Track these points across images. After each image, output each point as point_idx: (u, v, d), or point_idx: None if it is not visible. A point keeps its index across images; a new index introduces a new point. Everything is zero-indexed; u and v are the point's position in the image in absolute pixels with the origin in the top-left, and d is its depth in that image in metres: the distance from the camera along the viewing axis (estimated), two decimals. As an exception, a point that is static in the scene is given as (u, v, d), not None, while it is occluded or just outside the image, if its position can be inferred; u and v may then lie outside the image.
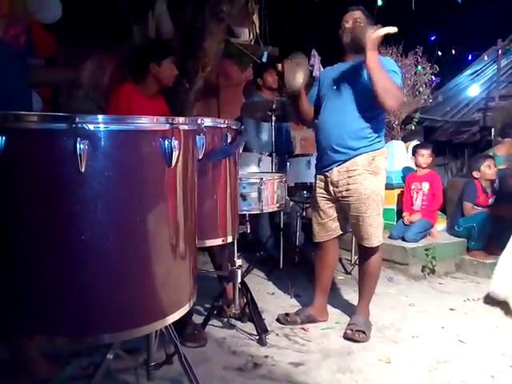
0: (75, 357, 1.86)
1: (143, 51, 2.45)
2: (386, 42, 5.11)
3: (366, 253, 2.33)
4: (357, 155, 2.20)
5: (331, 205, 2.34)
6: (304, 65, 2.18)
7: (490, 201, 3.84)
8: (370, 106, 2.15)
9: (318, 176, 2.38)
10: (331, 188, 2.28)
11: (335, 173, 2.25)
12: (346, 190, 2.23)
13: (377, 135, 2.22)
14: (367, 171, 2.20)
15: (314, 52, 4.90)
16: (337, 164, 2.24)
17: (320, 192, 2.36)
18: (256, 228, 3.51)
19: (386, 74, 2.07)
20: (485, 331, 2.38)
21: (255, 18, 4.63)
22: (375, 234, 2.26)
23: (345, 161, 2.21)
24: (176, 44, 3.45)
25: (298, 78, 2.15)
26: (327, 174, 2.28)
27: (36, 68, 1.94)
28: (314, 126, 2.42)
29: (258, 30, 4.65)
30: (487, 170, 3.82)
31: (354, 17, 2.23)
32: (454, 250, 3.65)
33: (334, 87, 2.23)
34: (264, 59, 4.43)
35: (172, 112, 2.59)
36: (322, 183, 2.34)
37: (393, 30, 2.03)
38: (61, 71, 2.24)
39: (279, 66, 2.22)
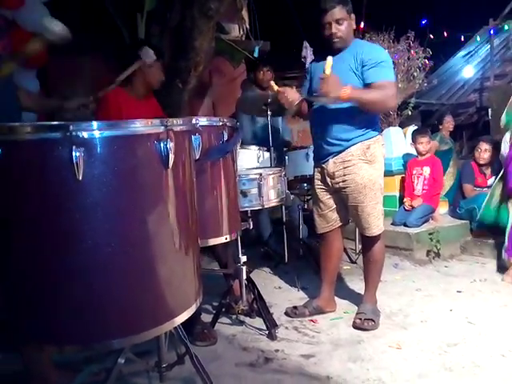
0: (87, 363, 1.86)
1: (128, 54, 2.38)
2: (378, 28, 5.10)
3: (368, 242, 2.33)
4: (351, 145, 2.19)
5: (330, 196, 2.35)
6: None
7: (489, 181, 3.82)
8: None
9: (315, 168, 2.39)
10: (328, 179, 2.28)
11: (331, 164, 2.25)
12: (343, 181, 2.23)
13: (370, 124, 2.22)
14: (362, 160, 2.20)
15: (305, 44, 4.87)
16: (332, 155, 2.24)
17: (318, 184, 2.36)
18: (256, 224, 3.50)
19: (367, 94, 2.08)
20: (493, 311, 2.39)
21: (244, 13, 4.61)
22: (375, 222, 2.26)
23: (340, 152, 2.22)
24: (166, 44, 3.43)
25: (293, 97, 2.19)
26: (324, 165, 2.29)
27: (27, 96, 1.97)
28: (307, 118, 2.43)
29: (247, 26, 4.62)
30: (480, 153, 3.82)
31: (335, 17, 2.10)
32: (457, 233, 3.66)
33: None
34: (255, 54, 4.41)
35: (167, 113, 2.57)
36: (320, 175, 2.34)
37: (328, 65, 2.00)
38: (51, 101, 2.25)
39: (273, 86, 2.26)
